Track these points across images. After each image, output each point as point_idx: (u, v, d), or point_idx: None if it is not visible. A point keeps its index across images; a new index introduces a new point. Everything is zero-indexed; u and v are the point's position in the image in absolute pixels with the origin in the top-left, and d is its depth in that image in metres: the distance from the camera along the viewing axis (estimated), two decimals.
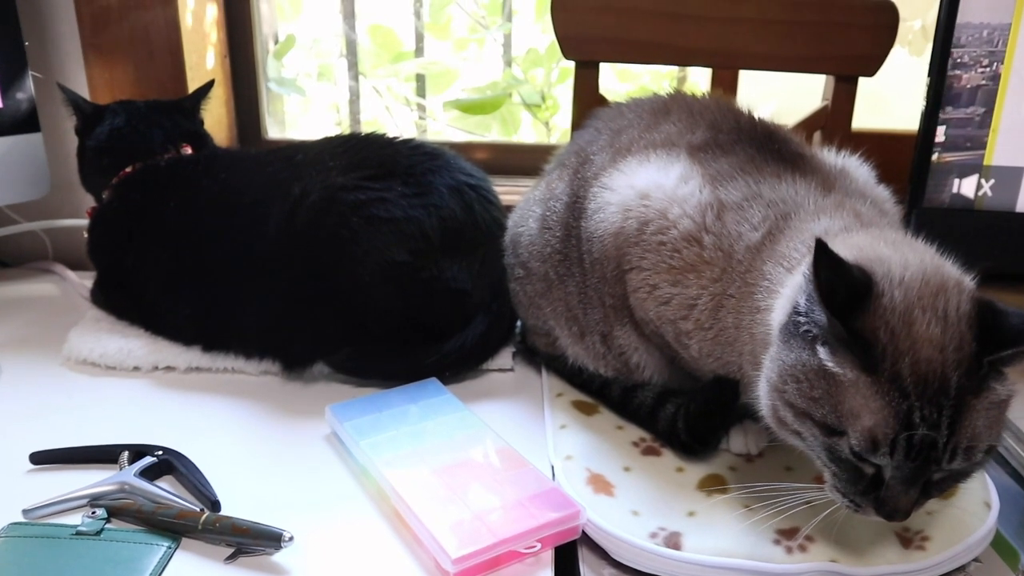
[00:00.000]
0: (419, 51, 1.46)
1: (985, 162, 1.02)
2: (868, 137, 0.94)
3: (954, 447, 0.58)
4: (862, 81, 1.09)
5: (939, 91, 1.01)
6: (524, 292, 0.91)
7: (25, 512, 0.69)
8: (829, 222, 0.70)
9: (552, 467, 0.77)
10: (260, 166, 0.99)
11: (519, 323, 0.97)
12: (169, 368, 0.94)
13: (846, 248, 0.63)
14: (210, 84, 1.09)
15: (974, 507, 0.69)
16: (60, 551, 0.65)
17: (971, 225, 1.05)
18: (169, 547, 0.66)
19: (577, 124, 1.04)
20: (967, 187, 1.03)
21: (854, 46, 1.06)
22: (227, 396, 0.89)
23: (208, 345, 0.94)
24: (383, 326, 0.90)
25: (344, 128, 1.51)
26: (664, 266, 0.74)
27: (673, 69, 1.42)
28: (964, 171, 1.02)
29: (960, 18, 0.97)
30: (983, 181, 1.03)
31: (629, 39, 1.08)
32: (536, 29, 1.46)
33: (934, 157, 1.01)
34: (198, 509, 0.70)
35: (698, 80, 1.37)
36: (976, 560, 0.67)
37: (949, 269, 0.63)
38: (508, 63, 1.48)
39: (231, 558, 0.66)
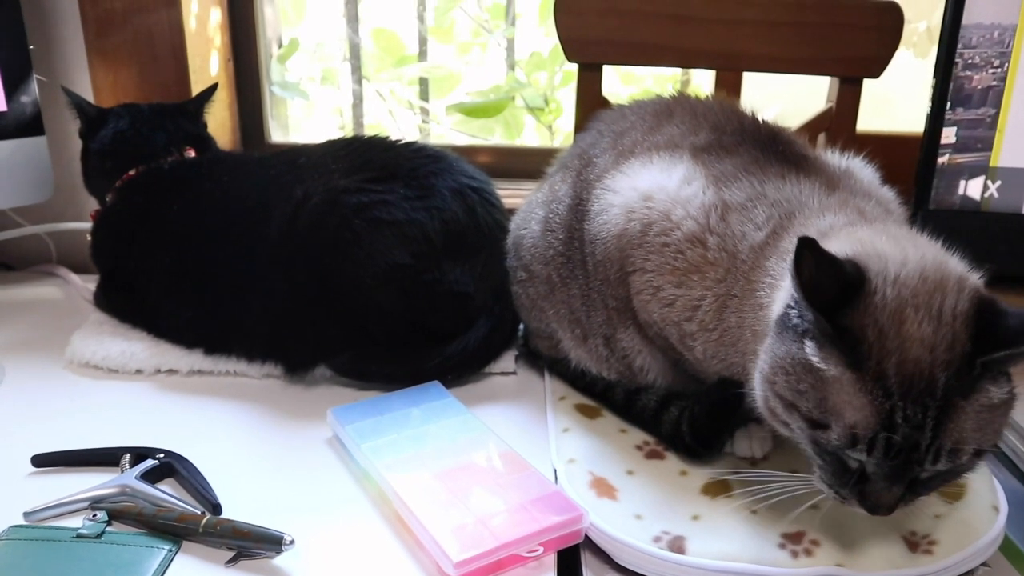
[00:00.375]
0: (422, 55, 1.47)
1: (991, 163, 1.01)
2: (872, 139, 0.93)
3: (938, 448, 0.57)
4: (866, 85, 1.08)
5: (944, 93, 1.00)
6: (527, 295, 0.90)
7: (26, 515, 0.69)
8: (834, 218, 0.70)
9: (555, 471, 0.77)
10: (263, 169, 0.99)
11: (522, 326, 0.97)
12: (171, 371, 0.94)
13: (849, 242, 0.63)
14: (214, 87, 1.09)
15: (982, 511, 0.69)
16: (61, 554, 0.65)
17: (977, 227, 1.04)
18: (170, 550, 0.66)
19: (580, 127, 1.04)
20: (973, 189, 1.02)
21: (859, 47, 1.06)
22: (229, 399, 0.89)
23: (210, 348, 0.94)
24: (385, 329, 0.89)
25: (347, 132, 1.51)
26: (668, 267, 0.74)
27: (676, 72, 1.42)
28: (972, 172, 1.01)
29: (966, 19, 0.97)
30: (989, 183, 1.02)
31: (632, 41, 1.08)
32: (539, 33, 1.46)
33: (945, 159, 1.01)
34: (199, 512, 0.70)
35: (701, 83, 1.37)
36: (984, 564, 0.67)
37: (952, 266, 0.63)
38: (511, 67, 1.48)
39: (232, 561, 0.65)
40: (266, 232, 0.91)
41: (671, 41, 1.08)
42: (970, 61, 0.97)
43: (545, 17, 1.43)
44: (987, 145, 1.00)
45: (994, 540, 0.67)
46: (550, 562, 0.66)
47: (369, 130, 1.49)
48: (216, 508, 0.71)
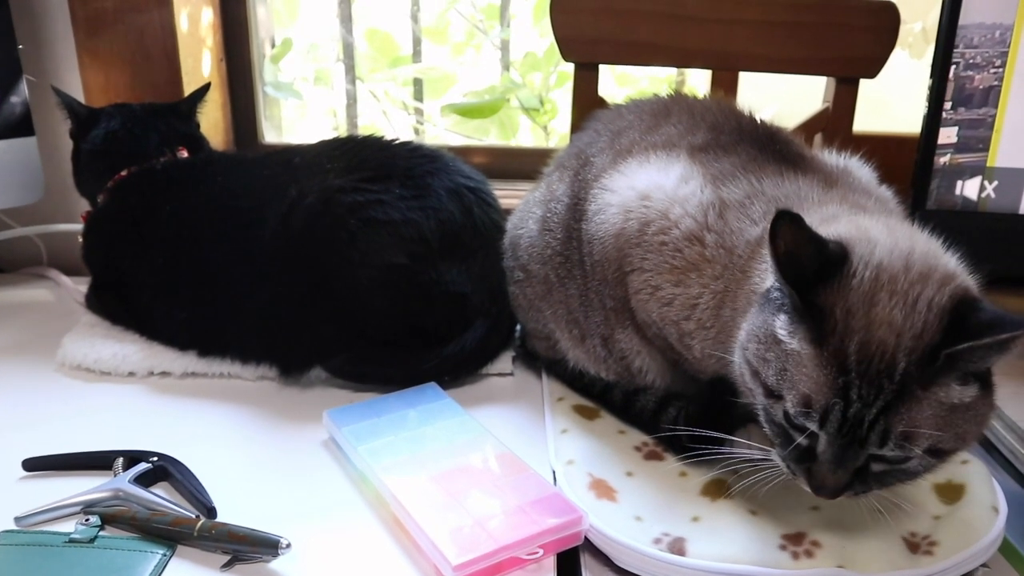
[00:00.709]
0: (417, 55, 1.46)
1: (988, 164, 1.01)
2: (869, 140, 0.93)
3: (885, 429, 0.57)
4: (862, 86, 1.08)
5: (941, 93, 1.00)
6: (524, 295, 0.90)
7: (17, 520, 0.68)
8: (837, 208, 0.70)
9: (553, 472, 0.76)
10: (257, 169, 0.99)
11: (519, 327, 0.96)
12: (164, 373, 0.93)
13: (847, 226, 0.64)
14: (206, 87, 1.08)
15: (982, 512, 0.69)
16: (53, 559, 0.64)
17: (974, 227, 1.04)
18: (164, 555, 0.65)
19: (576, 126, 1.04)
20: (970, 189, 1.02)
21: (855, 47, 1.06)
22: (223, 401, 0.88)
23: (204, 350, 0.93)
24: (381, 330, 0.89)
25: (341, 133, 1.50)
26: (666, 267, 0.74)
27: (672, 73, 1.42)
28: (972, 173, 1.01)
29: (966, 19, 0.97)
30: (986, 183, 1.02)
31: (629, 40, 1.08)
32: (534, 33, 1.46)
33: (945, 159, 1.00)
34: (194, 516, 0.69)
35: (697, 84, 1.37)
36: (984, 565, 0.66)
37: (943, 262, 0.63)
38: (506, 67, 1.48)
39: (227, 566, 0.65)
40: (260, 232, 0.90)
41: (667, 40, 1.07)
42: (972, 61, 0.97)
43: (540, 18, 1.43)
44: (988, 145, 1.00)
45: (994, 541, 0.67)
46: (549, 564, 0.66)
47: (363, 131, 1.48)
48: (211, 512, 0.70)
